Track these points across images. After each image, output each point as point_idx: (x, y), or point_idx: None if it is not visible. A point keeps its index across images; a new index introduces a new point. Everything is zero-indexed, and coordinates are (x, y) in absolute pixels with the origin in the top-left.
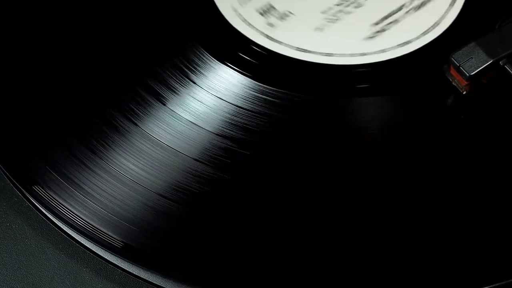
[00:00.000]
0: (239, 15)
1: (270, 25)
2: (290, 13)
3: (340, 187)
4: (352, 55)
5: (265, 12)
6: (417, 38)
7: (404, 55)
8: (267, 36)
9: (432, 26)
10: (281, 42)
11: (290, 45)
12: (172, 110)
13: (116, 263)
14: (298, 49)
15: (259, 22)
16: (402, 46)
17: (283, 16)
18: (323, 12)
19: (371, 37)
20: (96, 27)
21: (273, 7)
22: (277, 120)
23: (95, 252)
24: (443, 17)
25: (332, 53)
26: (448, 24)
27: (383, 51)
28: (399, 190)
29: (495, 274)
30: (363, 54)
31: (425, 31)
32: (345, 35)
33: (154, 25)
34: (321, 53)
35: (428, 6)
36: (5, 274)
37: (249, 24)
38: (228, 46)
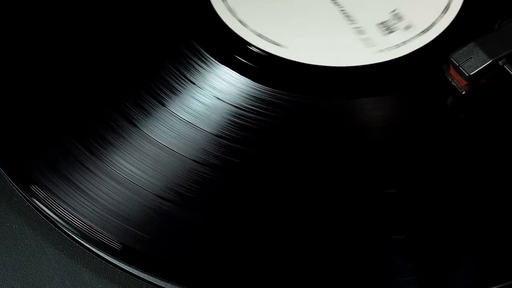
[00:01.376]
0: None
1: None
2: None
3: (340, 187)
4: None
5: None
6: (416, 37)
7: (404, 56)
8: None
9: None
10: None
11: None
12: (171, 111)
13: (116, 263)
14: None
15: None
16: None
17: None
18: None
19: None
20: (95, 29)
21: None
22: (276, 121)
23: (95, 252)
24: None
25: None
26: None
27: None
28: (399, 190)
29: (495, 275)
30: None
31: (423, 30)
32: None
33: (153, 26)
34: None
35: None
36: (5, 274)
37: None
38: (226, 47)
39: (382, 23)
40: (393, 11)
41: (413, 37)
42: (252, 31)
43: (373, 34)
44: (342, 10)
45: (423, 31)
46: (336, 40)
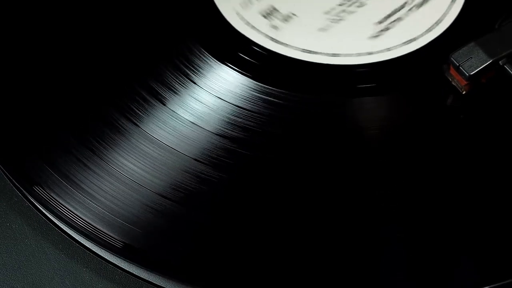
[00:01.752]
0: (242, 18)
1: (274, 27)
2: (293, 14)
3: (340, 187)
4: (358, 54)
5: (268, 14)
6: (422, 35)
7: (403, 56)
8: (272, 39)
9: (435, 23)
10: (286, 44)
11: (296, 47)
12: (172, 110)
13: (116, 263)
14: (304, 50)
15: (263, 24)
16: (407, 44)
17: (286, 18)
18: (326, 13)
19: (375, 36)
20: (95, 28)
21: (276, 9)
22: (276, 120)
23: (95, 252)
24: (445, 13)
25: (338, 54)
26: (452, 20)
27: (388, 49)
28: (399, 190)
29: (495, 274)
30: (369, 53)
31: (429, 28)
32: (350, 35)
33: (154, 25)
34: (327, 54)
35: (431, 3)
36: (5, 274)
37: (253, 27)
38: (228, 46)
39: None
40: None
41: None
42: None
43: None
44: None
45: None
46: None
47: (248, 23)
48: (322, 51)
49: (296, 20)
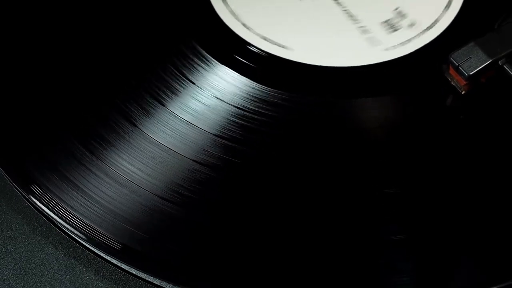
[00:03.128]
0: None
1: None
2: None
3: (340, 187)
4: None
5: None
6: (420, 35)
7: (403, 56)
8: (266, 39)
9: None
10: (284, 45)
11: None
12: (171, 111)
13: (116, 263)
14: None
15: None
16: (406, 44)
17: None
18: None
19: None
20: (95, 28)
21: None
22: (276, 121)
23: (95, 252)
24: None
25: (334, 55)
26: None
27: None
28: (399, 190)
29: (495, 275)
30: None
31: (427, 27)
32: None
33: (153, 26)
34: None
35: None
36: (5, 274)
37: (248, 28)
38: (227, 47)
39: (386, 21)
40: (396, 9)
41: (418, 35)
42: (254, 32)
43: (377, 32)
44: (345, 10)
45: (427, 28)
46: (340, 40)
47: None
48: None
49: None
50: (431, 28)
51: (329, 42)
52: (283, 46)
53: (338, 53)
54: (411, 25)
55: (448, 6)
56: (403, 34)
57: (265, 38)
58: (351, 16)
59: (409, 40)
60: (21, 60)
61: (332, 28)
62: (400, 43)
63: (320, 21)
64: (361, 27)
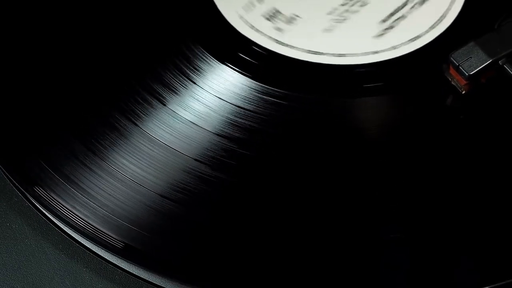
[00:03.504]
0: (245, 21)
1: (278, 29)
2: (297, 16)
3: (340, 187)
4: (364, 54)
5: (271, 17)
6: (426, 32)
7: (403, 55)
8: (277, 41)
9: (439, 19)
10: (291, 45)
11: (302, 48)
12: (173, 110)
13: (116, 263)
14: (310, 51)
15: (267, 27)
16: (402, 46)
17: (290, 20)
18: (330, 13)
19: (380, 35)
20: (96, 28)
21: (279, 12)
22: (276, 120)
23: (95, 252)
24: (448, 9)
25: (344, 54)
26: (452, 20)
27: (394, 47)
28: (399, 190)
29: (495, 274)
30: (375, 52)
31: (433, 25)
32: (355, 34)
33: (154, 26)
34: (332, 54)
35: (432, 0)
36: (5, 274)
37: (257, 30)
38: (228, 46)
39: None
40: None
41: (415, 37)
42: (256, 30)
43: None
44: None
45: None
46: (342, 38)
47: (252, 27)
48: (328, 52)
49: (300, 21)
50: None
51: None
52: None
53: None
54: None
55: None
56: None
57: (266, 37)
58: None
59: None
60: (21, 60)
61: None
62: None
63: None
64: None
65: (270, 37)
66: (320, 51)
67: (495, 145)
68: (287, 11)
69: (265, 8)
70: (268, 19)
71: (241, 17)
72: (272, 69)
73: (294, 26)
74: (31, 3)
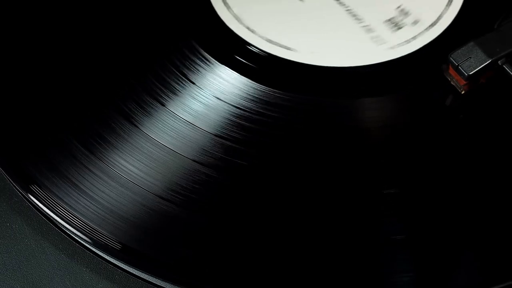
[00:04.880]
0: (243, 23)
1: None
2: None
3: (340, 187)
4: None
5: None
6: (424, 32)
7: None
8: (266, 39)
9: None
10: (288, 47)
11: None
12: (171, 111)
13: (116, 263)
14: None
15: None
16: (411, 41)
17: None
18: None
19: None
20: (95, 28)
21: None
22: (276, 121)
23: (95, 252)
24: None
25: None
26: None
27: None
28: (399, 190)
29: (495, 275)
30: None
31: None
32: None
33: (153, 26)
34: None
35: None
36: (5, 274)
37: (255, 32)
38: (227, 47)
39: (389, 19)
40: (398, 7)
41: (422, 32)
42: (254, 32)
43: (381, 31)
44: (348, 10)
45: (431, 25)
46: (345, 40)
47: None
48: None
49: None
50: (431, 28)
51: (333, 42)
52: (285, 47)
53: (342, 53)
54: (415, 22)
55: (448, 6)
56: (407, 32)
57: (265, 39)
58: (354, 15)
59: (414, 38)
60: (21, 60)
61: (337, 28)
62: (405, 41)
63: (323, 21)
64: (365, 26)
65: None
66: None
67: (495, 145)
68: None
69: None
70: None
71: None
72: (271, 70)
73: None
74: (31, 3)
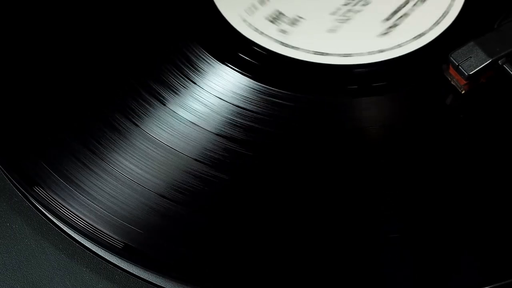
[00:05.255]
0: (250, 24)
1: (283, 31)
2: (300, 17)
3: (340, 187)
4: (370, 53)
5: (274, 19)
6: (418, 37)
7: (403, 55)
8: (282, 43)
9: (442, 16)
10: (297, 47)
11: (307, 50)
12: (173, 110)
13: (116, 263)
14: (316, 52)
15: (271, 29)
16: (404, 45)
17: (293, 22)
18: (333, 14)
19: (385, 33)
20: (96, 28)
21: (282, 13)
22: (277, 120)
23: (95, 252)
24: (450, 5)
25: (350, 54)
26: (447, 25)
27: (383, 51)
28: (398, 190)
29: (495, 274)
30: (381, 51)
31: (425, 30)
32: (359, 34)
33: (154, 26)
34: (339, 55)
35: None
36: (5, 274)
37: (261, 33)
38: (228, 46)
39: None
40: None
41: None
42: (256, 30)
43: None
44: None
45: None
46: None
47: (255, 29)
48: (334, 52)
49: (304, 23)
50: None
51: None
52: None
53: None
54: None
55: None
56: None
57: (270, 38)
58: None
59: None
60: (21, 60)
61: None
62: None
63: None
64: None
65: (273, 39)
66: (325, 52)
67: (495, 145)
68: (289, 13)
69: (268, 11)
70: (271, 21)
71: (243, 19)
72: (273, 69)
73: (297, 27)
74: (31, 3)
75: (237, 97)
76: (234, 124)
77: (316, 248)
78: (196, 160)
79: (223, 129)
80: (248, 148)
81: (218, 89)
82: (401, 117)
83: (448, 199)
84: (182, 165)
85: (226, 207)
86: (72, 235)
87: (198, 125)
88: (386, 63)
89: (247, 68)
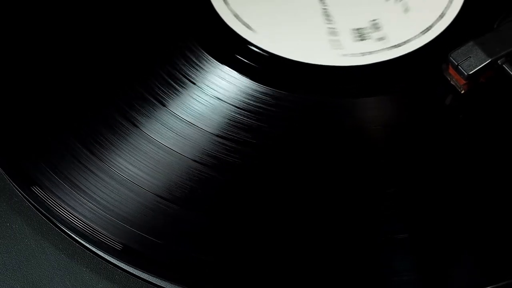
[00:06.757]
0: (243, 22)
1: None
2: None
3: (340, 187)
4: (362, 54)
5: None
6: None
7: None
8: (276, 42)
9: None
10: (291, 47)
11: (294, 48)
12: (172, 111)
13: (116, 263)
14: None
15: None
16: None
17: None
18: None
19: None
20: (95, 28)
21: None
22: (276, 121)
23: (95, 252)
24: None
25: (345, 54)
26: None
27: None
28: (398, 189)
29: (495, 274)
30: (372, 52)
31: (396, 45)
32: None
33: (153, 26)
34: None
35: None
36: (5, 274)
37: (250, 28)
38: (227, 47)
39: (357, 29)
40: (373, 20)
41: (383, 49)
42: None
43: (344, 37)
44: (325, 9)
45: (395, 46)
46: (307, 38)
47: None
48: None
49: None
50: (430, 28)
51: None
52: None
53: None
54: (380, 39)
55: (448, 6)
56: (373, 44)
57: (266, 37)
58: (327, 15)
59: (378, 51)
60: (21, 60)
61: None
62: (367, 52)
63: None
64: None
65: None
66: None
67: (495, 145)
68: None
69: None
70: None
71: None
72: (272, 70)
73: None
74: (31, 3)
75: (236, 97)
76: (233, 125)
77: (316, 248)
78: (195, 161)
79: (222, 130)
80: (247, 148)
81: (218, 89)
82: (401, 117)
83: (448, 199)
84: (181, 165)
85: (225, 208)
86: (72, 235)
87: (197, 126)
88: (386, 63)
89: (245, 68)
